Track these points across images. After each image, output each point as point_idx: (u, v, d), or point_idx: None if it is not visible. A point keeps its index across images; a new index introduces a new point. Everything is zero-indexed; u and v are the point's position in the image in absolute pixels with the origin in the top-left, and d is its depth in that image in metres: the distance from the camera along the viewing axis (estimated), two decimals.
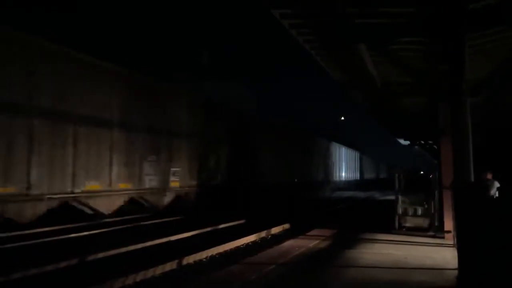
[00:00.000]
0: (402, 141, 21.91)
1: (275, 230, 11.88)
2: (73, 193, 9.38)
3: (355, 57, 7.59)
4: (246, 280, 5.68)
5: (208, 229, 11.58)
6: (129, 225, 11.58)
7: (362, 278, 5.95)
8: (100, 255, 7.93)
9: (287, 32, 6.86)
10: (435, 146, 17.65)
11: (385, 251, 7.99)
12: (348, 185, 38.50)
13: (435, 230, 10.01)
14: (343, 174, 37.92)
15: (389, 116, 13.93)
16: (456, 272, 5.51)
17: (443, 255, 7.52)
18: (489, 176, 9.22)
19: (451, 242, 8.38)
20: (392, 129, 18.69)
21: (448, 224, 8.99)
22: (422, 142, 20.48)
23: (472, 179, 5.91)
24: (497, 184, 9.10)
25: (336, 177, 35.09)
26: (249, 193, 17.68)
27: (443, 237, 9.19)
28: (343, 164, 38.13)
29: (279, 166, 21.81)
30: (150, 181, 11.74)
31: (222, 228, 12.13)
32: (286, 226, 12.64)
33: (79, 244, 9.12)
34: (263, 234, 11.10)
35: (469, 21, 5.69)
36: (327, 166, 32.77)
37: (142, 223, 12.01)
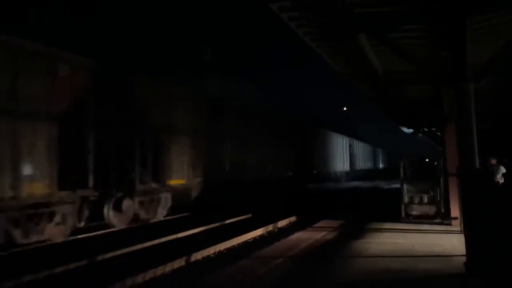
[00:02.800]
0: (405, 129, 21.82)
1: (282, 223, 11.92)
2: None
3: (356, 48, 7.53)
4: (255, 274, 5.71)
5: (216, 224, 11.64)
6: None
7: (370, 268, 5.97)
8: (109, 255, 7.99)
9: (287, 25, 6.82)
10: (438, 133, 17.57)
11: (392, 240, 8.00)
12: (356, 175, 38.36)
13: (442, 217, 10.01)
14: (349, 165, 37.72)
15: (392, 105, 13.87)
16: (464, 258, 5.52)
17: (450, 241, 7.52)
18: (494, 161, 9.20)
19: (458, 229, 8.37)
20: (395, 117, 18.61)
21: (455, 211, 8.99)
22: (426, 129, 20.39)
23: (477, 165, 5.90)
24: (503, 170, 9.07)
25: (340, 168, 34.93)
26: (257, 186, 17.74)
27: (450, 224, 9.19)
28: (348, 155, 37.92)
29: (285, 159, 21.86)
30: None
31: (229, 223, 12.18)
32: (293, 219, 12.68)
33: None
34: (270, 227, 11.15)
35: (470, 5, 5.64)
36: (333, 158, 32.67)
37: None
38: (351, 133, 42.16)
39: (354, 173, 38.71)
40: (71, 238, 9.49)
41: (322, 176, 29.18)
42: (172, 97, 13.01)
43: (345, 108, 58.90)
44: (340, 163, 35.36)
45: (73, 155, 9.29)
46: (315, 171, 27.77)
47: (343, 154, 36.44)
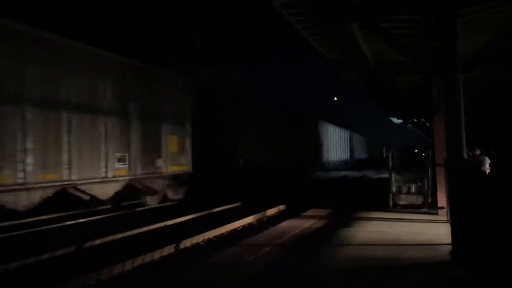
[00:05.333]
0: (395, 120, 21.96)
1: (271, 211, 11.98)
2: None
3: (348, 37, 7.50)
4: (243, 261, 5.73)
5: (205, 212, 11.64)
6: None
7: (357, 256, 6.04)
8: (97, 241, 7.96)
9: (279, 14, 6.76)
10: (427, 124, 17.73)
11: (379, 228, 8.09)
12: (342, 164, 38.56)
13: (429, 207, 10.15)
14: (337, 154, 37.88)
15: (382, 94, 13.92)
16: (449, 247, 5.61)
17: (437, 231, 7.64)
18: (478, 152, 9.30)
19: (445, 218, 8.51)
20: (385, 107, 18.70)
21: (442, 201, 9.11)
22: (415, 120, 20.55)
23: (465, 156, 5.96)
24: (488, 160, 9.20)
25: (330, 158, 35.04)
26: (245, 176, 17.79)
27: (436, 214, 9.32)
28: (338, 144, 38.09)
29: (272, 149, 21.78)
30: None
31: (218, 211, 12.20)
32: (282, 207, 12.74)
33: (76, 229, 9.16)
34: (259, 216, 11.19)
35: None
36: (321, 147, 32.70)
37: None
38: (342, 124, 42.36)
39: (339, 163, 38.81)
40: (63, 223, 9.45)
41: (311, 165, 29.37)
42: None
43: (335, 98, 58.93)
44: (332, 153, 35.58)
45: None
46: (303, 161, 27.90)
47: (335, 144, 36.68)
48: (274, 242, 6.98)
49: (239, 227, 9.95)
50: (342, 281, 4.99)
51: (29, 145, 8.36)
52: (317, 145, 31.55)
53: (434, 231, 7.67)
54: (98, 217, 10.76)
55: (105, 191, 10.28)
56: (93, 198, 10.25)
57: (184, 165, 13.34)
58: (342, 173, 33.95)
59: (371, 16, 6.32)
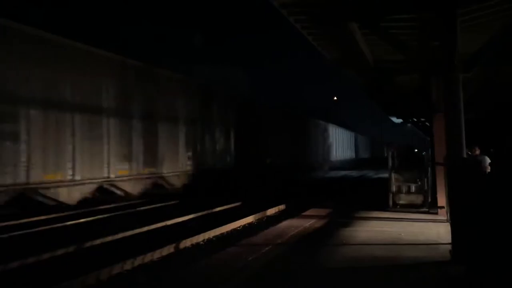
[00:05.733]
0: (394, 119, 21.97)
1: (271, 211, 11.97)
2: None
3: (347, 36, 7.51)
4: (243, 261, 5.73)
5: (205, 212, 11.64)
6: None
7: (357, 255, 6.04)
8: (97, 241, 7.96)
9: (279, 13, 6.76)
10: (427, 124, 17.72)
11: (379, 228, 8.09)
12: (342, 164, 39.12)
13: (429, 206, 10.14)
14: (338, 154, 38.78)
15: (382, 94, 13.92)
16: (449, 246, 5.60)
17: (436, 230, 7.63)
18: (478, 151, 9.28)
19: (444, 218, 8.50)
20: (385, 107, 18.71)
21: (441, 200, 9.10)
22: (415, 119, 20.55)
23: (465, 155, 5.96)
24: (488, 160, 9.18)
25: (330, 158, 35.74)
26: (245, 176, 17.94)
27: (436, 213, 9.31)
28: (338, 144, 38.78)
29: (292, 150, 25.11)
30: None
31: (219, 211, 12.20)
32: (282, 207, 12.74)
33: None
34: (259, 215, 11.19)
35: None
36: (321, 147, 32.91)
37: None
38: (348, 126, 43.21)
39: (344, 162, 39.53)
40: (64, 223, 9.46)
41: (311, 165, 29.52)
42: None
43: (335, 98, 58.95)
44: (331, 153, 36.14)
45: None
46: (305, 161, 28.10)
47: (343, 145, 37.48)
48: (275, 241, 6.98)
49: (239, 226, 9.95)
50: (342, 280, 4.99)
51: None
52: (320, 146, 32.84)
53: (434, 230, 7.67)
54: (99, 217, 10.75)
55: (178, 181, 13.75)
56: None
57: (229, 162, 17.33)
58: (342, 172, 33.97)
59: (370, 16, 6.33)
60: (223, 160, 16.77)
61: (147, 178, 12.40)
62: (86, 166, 10.28)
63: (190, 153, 14.49)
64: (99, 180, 10.75)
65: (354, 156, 46.47)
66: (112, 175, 11.12)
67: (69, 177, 9.79)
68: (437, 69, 6.58)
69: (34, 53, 9.23)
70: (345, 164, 39.40)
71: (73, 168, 9.88)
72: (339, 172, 33.81)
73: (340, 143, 39.69)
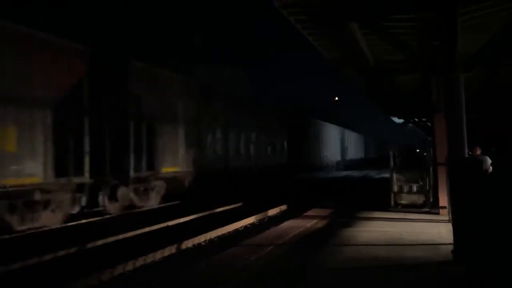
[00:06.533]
0: (396, 119, 21.97)
1: (272, 211, 11.98)
2: None
3: (347, 36, 7.51)
4: (244, 261, 5.74)
5: (206, 212, 11.65)
6: None
7: (359, 256, 6.04)
8: (99, 242, 7.97)
9: (279, 14, 6.76)
10: (428, 124, 17.71)
11: (381, 228, 8.09)
12: (359, 162, 44.06)
13: (430, 206, 10.13)
14: (355, 153, 44.79)
15: (382, 94, 13.92)
16: (451, 246, 5.60)
17: (438, 230, 7.63)
18: (479, 151, 9.27)
19: (446, 218, 8.49)
20: (386, 107, 18.71)
21: (443, 200, 9.10)
22: (416, 119, 20.54)
23: (466, 154, 5.95)
24: (489, 160, 9.17)
25: (349, 157, 40.13)
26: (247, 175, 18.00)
27: (438, 213, 9.31)
28: (351, 146, 41.79)
29: (313, 150, 29.33)
30: None
31: (220, 212, 12.21)
32: (283, 207, 12.74)
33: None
34: (261, 216, 11.19)
35: None
36: (325, 148, 33.15)
37: None
38: (343, 123, 43.37)
39: (344, 163, 40.06)
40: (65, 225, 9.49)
41: (313, 165, 29.58)
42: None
43: (336, 98, 58.94)
44: (333, 153, 36.35)
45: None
46: (307, 161, 28.16)
47: (335, 145, 37.72)
48: (276, 242, 6.98)
49: (241, 227, 9.96)
50: (343, 280, 4.99)
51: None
52: (324, 146, 34.11)
53: (436, 230, 7.66)
54: (100, 218, 10.77)
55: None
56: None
57: (283, 160, 23.38)
58: (344, 172, 34.00)
59: (370, 16, 6.33)
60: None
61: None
62: None
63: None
64: None
65: (363, 156, 51.83)
66: None
67: None
68: (437, 69, 6.58)
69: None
70: (356, 163, 44.33)
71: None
72: (352, 172, 34.53)
73: (352, 145, 45.37)
